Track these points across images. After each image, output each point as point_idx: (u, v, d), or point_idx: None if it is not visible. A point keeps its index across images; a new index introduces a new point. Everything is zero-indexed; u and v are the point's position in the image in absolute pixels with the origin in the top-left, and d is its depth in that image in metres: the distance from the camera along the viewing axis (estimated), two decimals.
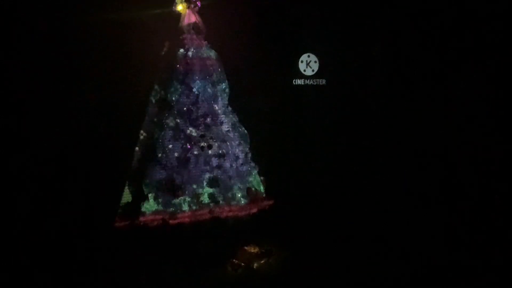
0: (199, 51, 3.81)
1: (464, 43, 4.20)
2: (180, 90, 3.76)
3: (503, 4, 3.96)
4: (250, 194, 3.76)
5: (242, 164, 3.84)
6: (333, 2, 4.72)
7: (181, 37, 3.79)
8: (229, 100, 3.92)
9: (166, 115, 3.80)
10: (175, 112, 3.78)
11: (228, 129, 3.87)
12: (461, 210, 4.18)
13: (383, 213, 4.70)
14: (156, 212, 3.59)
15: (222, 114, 3.86)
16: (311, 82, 4.70)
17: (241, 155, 3.85)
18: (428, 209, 4.43)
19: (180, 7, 3.75)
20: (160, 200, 3.60)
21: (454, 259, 3.61)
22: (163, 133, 3.73)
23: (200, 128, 3.78)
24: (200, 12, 3.79)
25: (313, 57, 4.66)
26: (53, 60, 3.75)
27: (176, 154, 3.68)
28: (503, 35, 3.98)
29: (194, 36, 3.80)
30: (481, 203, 4.10)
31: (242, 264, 3.52)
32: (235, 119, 3.94)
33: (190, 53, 3.77)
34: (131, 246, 3.81)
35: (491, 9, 4.01)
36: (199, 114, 3.77)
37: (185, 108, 3.76)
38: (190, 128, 3.74)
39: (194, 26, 3.75)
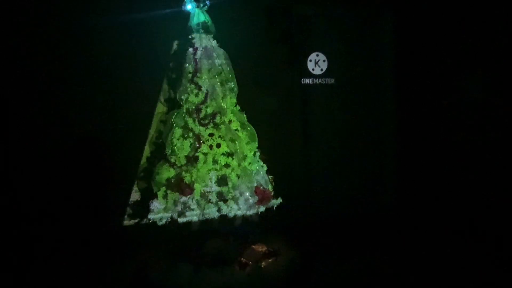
0: (208, 50, 3.81)
1: (474, 41, 4.15)
2: (189, 89, 3.77)
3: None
4: (258, 193, 3.75)
5: (250, 163, 3.83)
6: (342, 1, 4.70)
7: (190, 37, 3.79)
8: (237, 99, 3.92)
9: (175, 114, 3.82)
10: (184, 111, 3.79)
11: (236, 128, 3.86)
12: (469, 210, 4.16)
13: (392, 213, 4.68)
14: (164, 210, 3.60)
15: (231, 113, 3.86)
16: (320, 81, 4.69)
17: (250, 154, 3.85)
18: (435, 208, 4.41)
19: (189, 6, 3.75)
20: (168, 198, 3.62)
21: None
22: (172, 131, 3.75)
23: (209, 127, 3.79)
24: (209, 12, 3.79)
25: (321, 56, 4.65)
26: (61, 60, 3.81)
27: (184, 153, 3.69)
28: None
29: (203, 36, 3.80)
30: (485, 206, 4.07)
31: (250, 263, 3.52)
32: (244, 118, 3.94)
33: (199, 52, 3.77)
34: (139, 244, 3.85)
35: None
36: (207, 113, 3.78)
37: (194, 107, 3.77)
38: (198, 127, 3.75)
39: (203, 26, 3.75)
